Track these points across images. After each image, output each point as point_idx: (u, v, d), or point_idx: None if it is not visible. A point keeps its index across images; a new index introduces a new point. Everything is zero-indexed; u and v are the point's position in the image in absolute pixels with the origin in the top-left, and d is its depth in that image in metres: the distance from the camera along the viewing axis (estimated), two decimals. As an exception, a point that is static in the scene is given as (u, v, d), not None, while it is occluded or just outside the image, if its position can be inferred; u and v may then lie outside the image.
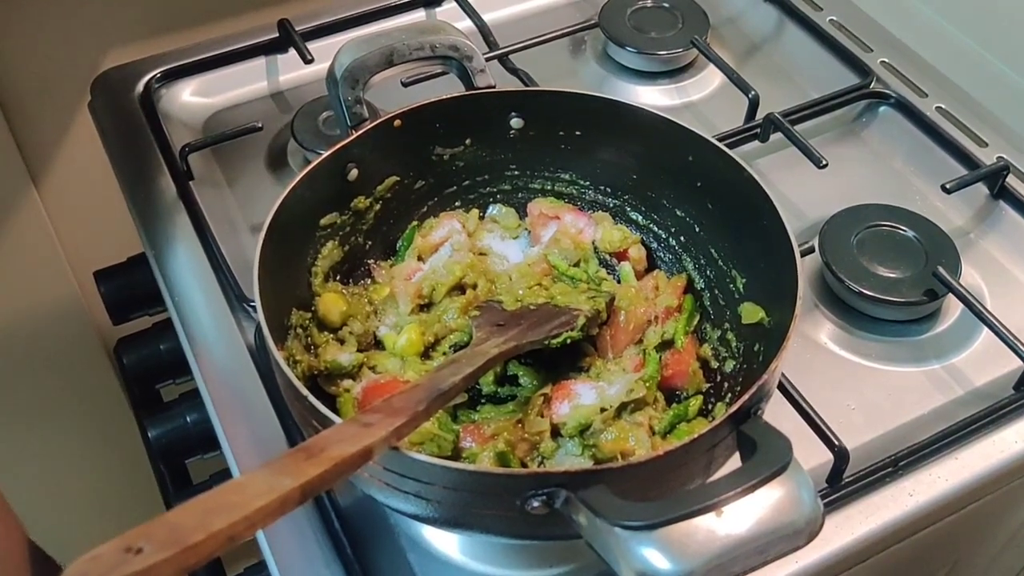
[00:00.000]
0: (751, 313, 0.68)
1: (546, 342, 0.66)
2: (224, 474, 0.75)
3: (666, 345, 0.71)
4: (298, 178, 0.66)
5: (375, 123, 0.70)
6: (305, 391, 0.55)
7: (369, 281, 0.75)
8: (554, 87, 0.76)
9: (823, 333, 0.80)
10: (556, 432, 0.66)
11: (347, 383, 0.68)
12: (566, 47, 1.04)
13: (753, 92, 0.92)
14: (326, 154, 0.69)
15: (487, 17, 1.01)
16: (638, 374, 0.68)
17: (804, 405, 0.70)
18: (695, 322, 0.72)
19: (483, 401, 0.68)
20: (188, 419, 0.83)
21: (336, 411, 0.63)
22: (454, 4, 1.03)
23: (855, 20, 1.05)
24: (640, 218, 0.77)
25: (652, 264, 0.76)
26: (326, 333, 0.70)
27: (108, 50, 1.08)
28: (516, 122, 0.75)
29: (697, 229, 0.73)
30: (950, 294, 0.79)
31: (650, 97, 1.00)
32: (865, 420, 0.74)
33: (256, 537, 0.67)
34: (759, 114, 0.92)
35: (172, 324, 0.81)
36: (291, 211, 0.66)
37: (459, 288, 0.73)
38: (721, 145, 0.69)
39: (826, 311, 0.82)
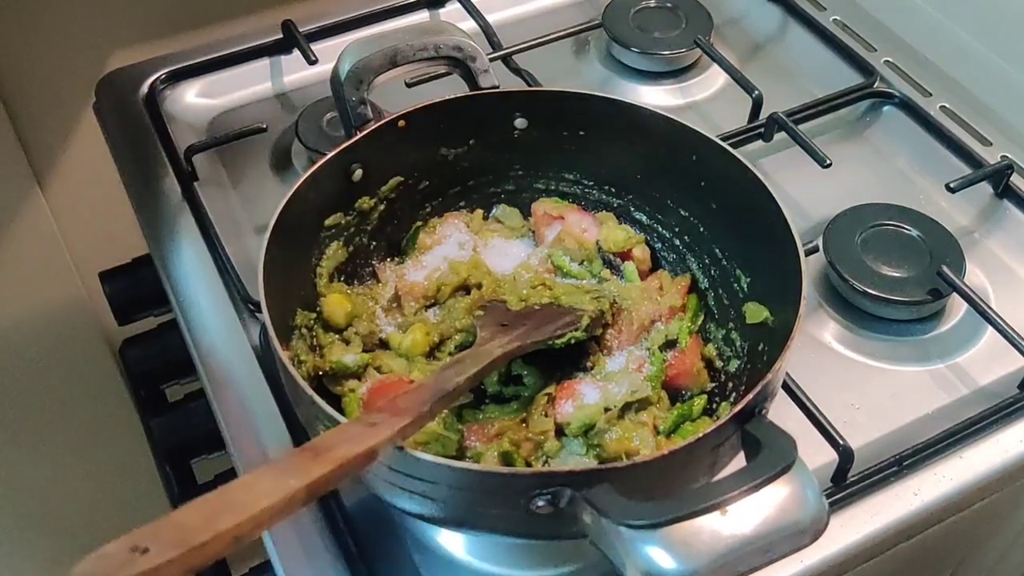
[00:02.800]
0: (755, 313, 0.68)
1: (550, 342, 0.67)
2: (229, 474, 0.75)
3: (670, 345, 0.71)
4: (302, 179, 0.67)
5: (379, 124, 0.70)
6: (310, 391, 0.55)
7: (374, 281, 0.75)
8: (558, 87, 0.76)
9: (827, 332, 0.80)
10: (560, 432, 0.66)
11: (352, 383, 0.68)
12: (570, 47, 1.04)
13: (757, 92, 0.92)
14: (330, 155, 0.69)
15: (491, 18, 1.02)
16: (642, 374, 0.68)
17: (808, 404, 0.70)
18: (699, 322, 0.72)
19: (487, 401, 0.68)
20: (193, 419, 0.83)
21: (341, 411, 0.63)
22: (458, 5, 1.03)
23: (859, 20, 1.05)
24: (644, 218, 0.77)
25: (656, 264, 0.76)
26: (331, 333, 0.70)
27: (112, 52, 1.08)
28: (520, 122, 0.75)
29: (701, 229, 0.73)
30: (954, 293, 0.79)
31: (654, 97, 1.00)
32: (870, 419, 0.74)
33: (262, 537, 0.68)
34: (763, 114, 0.92)
35: (177, 325, 0.81)
36: (296, 212, 0.66)
37: (464, 288, 0.73)
38: (725, 145, 0.69)
39: (830, 310, 0.82)
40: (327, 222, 0.71)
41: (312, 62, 0.96)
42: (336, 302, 0.70)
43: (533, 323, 0.68)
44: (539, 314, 0.69)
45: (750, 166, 0.67)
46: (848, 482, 0.69)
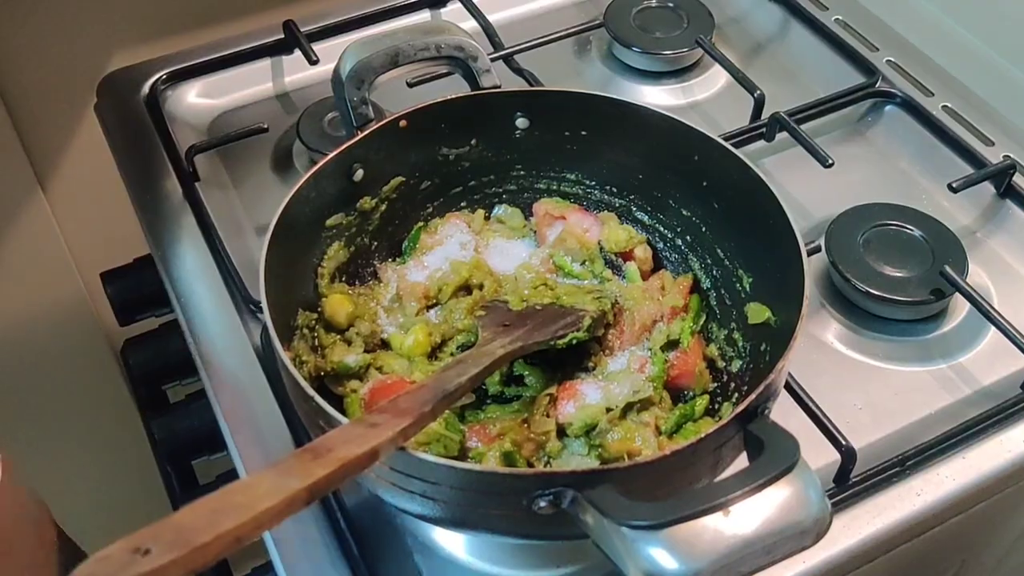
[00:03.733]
0: (757, 313, 0.67)
1: (552, 343, 0.66)
2: (230, 475, 0.75)
3: (672, 345, 0.71)
4: (304, 179, 0.66)
5: (381, 124, 0.70)
6: (312, 392, 0.55)
7: (375, 282, 0.75)
8: (559, 87, 0.76)
9: (830, 333, 0.80)
10: (562, 432, 0.65)
11: (354, 384, 0.68)
12: (571, 47, 1.04)
13: (759, 91, 0.92)
14: (332, 155, 0.69)
15: (492, 17, 1.01)
16: (644, 374, 0.68)
17: (811, 405, 0.70)
18: (701, 322, 0.72)
19: (489, 401, 0.68)
20: (194, 420, 0.83)
21: (343, 412, 0.63)
22: (459, 4, 1.03)
23: (860, 19, 1.05)
24: (646, 218, 0.77)
25: (658, 264, 0.76)
26: (333, 334, 0.70)
27: (114, 52, 1.08)
28: (522, 122, 0.75)
29: (703, 229, 0.73)
30: (957, 293, 0.79)
31: (655, 97, 1.00)
32: (872, 420, 0.74)
33: (263, 538, 0.68)
34: (765, 113, 0.92)
35: (178, 325, 0.81)
36: (297, 212, 0.66)
37: (465, 289, 0.73)
38: (727, 145, 0.68)
39: (833, 311, 0.81)
40: (328, 222, 0.71)
41: (313, 62, 0.96)
42: (337, 302, 0.70)
43: (535, 323, 0.68)
44: (541, 314, 0.69)
45: (752, 166, 0.66)
46: (850, 483, 0.69)
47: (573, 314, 0.69)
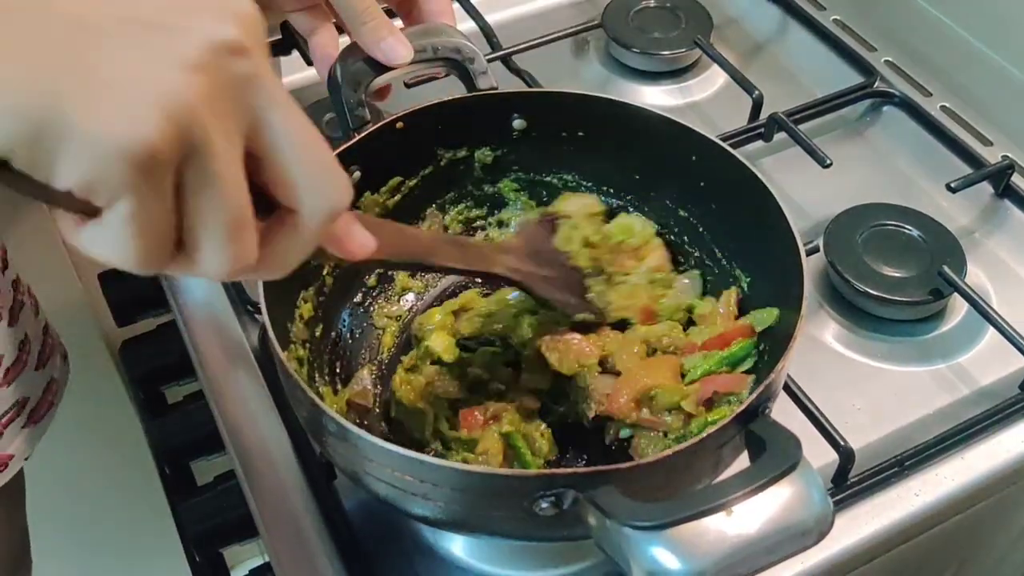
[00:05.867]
0: (763, 319, 0.67)
1: (567, 312, 0.68)
2: (229, 475, 0.75)
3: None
4: (302, 180, 0.66)
5: (377, 125, 0.70)
6: (311, 393, 0.55)
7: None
8: (557, 88, 0.76)
9: (828, 333, 0.80)
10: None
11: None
12: (569, 48, 1.04)
13: (757, 92, 0.92)
14: (329, 156, 0.68)
15: (490, 18, 1.01)
16: None
17: (809, 405, 0.70)
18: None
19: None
20: (192, 421, 0.83)
21: (342, 413, 0.63)
22: (456, 5, 1.02)
23: (859, 19, 1.05)
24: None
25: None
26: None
27: (111, 53, 1.08)
28: (519, 123, 0.75)
29: (701, 229, 0.73)
30: (955, 293, 0.79)
31: (653, 97, 1.00)
32: (871, 420, 0.74)
33: (261, 538, 0.68)
34: (763, 114, 0.92)
35: (177, 326, 0.81)
36: (295, 213, 0.65)
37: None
38: (725, 145, 0.68)
39: (831, 311, 0.82)
40: (326, 223, 0.70)
41: (311, 63, 0.96)
42: None
43: (556, 277, 0.68)
44: (570, 274, 0.69)
45: (750, 166, 0.66)
46: (849, 483, 0.69)
47: (593, 306, 0.69)
